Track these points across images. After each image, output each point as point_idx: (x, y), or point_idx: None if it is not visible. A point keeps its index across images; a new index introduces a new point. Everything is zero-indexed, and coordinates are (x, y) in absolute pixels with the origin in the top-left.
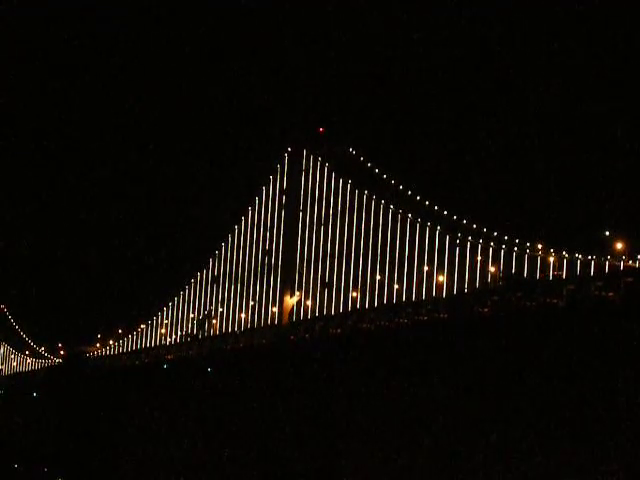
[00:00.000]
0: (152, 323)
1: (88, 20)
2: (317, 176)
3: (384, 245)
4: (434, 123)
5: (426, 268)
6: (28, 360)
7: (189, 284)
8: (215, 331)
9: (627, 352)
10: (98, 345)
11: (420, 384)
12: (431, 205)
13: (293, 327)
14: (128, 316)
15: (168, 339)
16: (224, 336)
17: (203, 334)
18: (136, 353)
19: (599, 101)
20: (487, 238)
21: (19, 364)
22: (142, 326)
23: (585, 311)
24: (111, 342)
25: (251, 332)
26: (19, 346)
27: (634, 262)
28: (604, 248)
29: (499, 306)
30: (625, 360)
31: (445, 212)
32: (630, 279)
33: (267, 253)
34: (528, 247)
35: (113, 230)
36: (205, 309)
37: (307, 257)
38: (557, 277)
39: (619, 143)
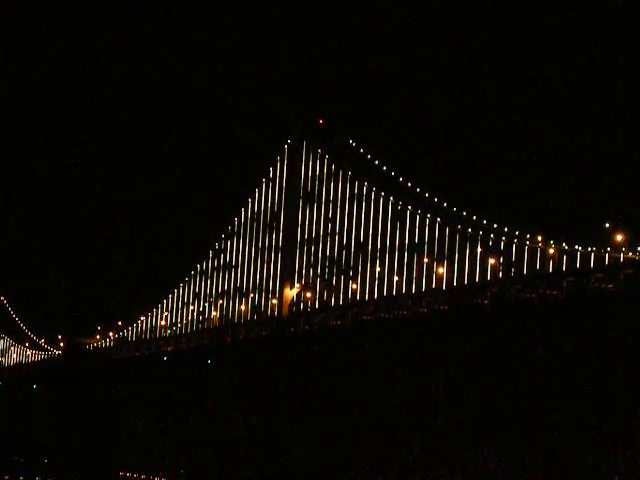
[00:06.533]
0: (152, 315)
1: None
2: (317, 168)
3: (384, 237)
4: (434, 115)
5: (426, 260)
6: (28, 352)
7: (188, 276)
8: (215, 323)
9: (627, 344)
10: (98, 337)
11: (420, 376)
12: (431, 197)
13: (293, 319)
14: (128, 308)
15: (168, 331)
16: (224, 328)
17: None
18: (136, 345)
19: (598, 94)
20: (487, 230)
21: (19, 356)
22: (142, 318)
23: (585, 303)
24: (111, 334)
25: (251, 324)
26: (18, 338)
27: (634, 254)
28: (604, 240)
29: (499, 298)
30: (625, 352)
31: (445, 204)
32: (630, 271)
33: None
34: (528, 239)
35: (112, 222)
36: (205, 301)
37: (307, 249)
38: None
39: (619, 135)
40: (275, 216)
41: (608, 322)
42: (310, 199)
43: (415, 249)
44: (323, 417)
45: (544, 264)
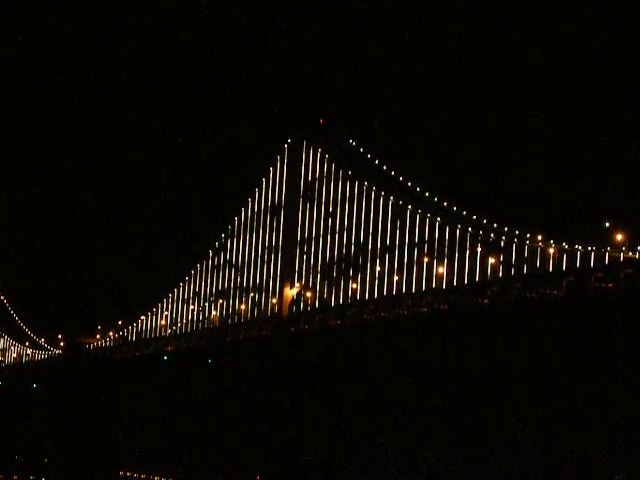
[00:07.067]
0: (152, 315)
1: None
2: (317, 167)
3: (384, 236)
4: (434, 115)
5: (426, 260)
6: (28, 351)
7: (189, 275)
8: (215, 323)
9: (627, 343)
10: (98, 336)
11: (421, 376)
12: (431, 196)
13: (293, 318)
14: (128, 307)
15: (168, 331)
16: (224, 327)
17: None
18: (136, 345)
19: (598, 93)
20: (487, 229)
21: (19, 355)
22: (142, 318)
23: (585, 302)
24: (111, 333)
25: (251, 323)
26: (19, 337)
27: (634, 253)
28: (604, 239)
29: (498, 297)
30: (625, 351)
31: (445, 203)
32: (630, 270)
33: (268, 248)
34: (528, 238)
35: (113, 221)
36: (205, 300)
37: (307, 248)
38: None
39: (619, 133)
40: (275, 216)
41: (608, 321)
42: (310, 199)
43: (415, 249)
44: (323, 417)
45: (544, 264)
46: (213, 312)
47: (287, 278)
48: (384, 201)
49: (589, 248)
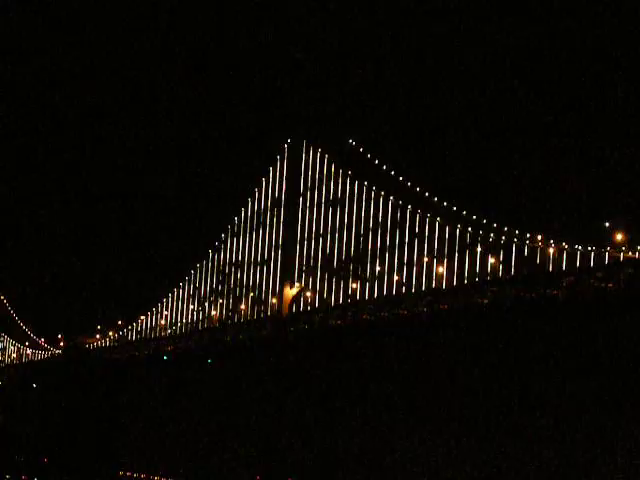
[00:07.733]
0: (152, 314)
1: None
2: (317, 168)
3: (384, 236)
4: (435, 115)
5: (426, 259)
6: (28, 351)
7: (189, 275)
8: (215, 323)
9: (627, 343)
10: (98, 336)
11: (420, 375)
12: (431, 196)
13: (293, 318)
14: (128, 307)
15: (168, 330)
16: (224, 327)
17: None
18: (136, 344)
19: (598, 93)
20: (487, 229)
21: (18, 355)
22: (142, 317)
23: (585, 303)
24: (111, 333)
25: (251, 323)
26: (19, 337)
27: (634, 253)
28: (604, 239)
29: (498, 297)
30: (625, 352)
31: (445, 203)
32: (630, 270)
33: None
34: (528, 238)
35: (113, 221)
36: (205, 300)
37: (307, 248)
38: None
39: (618, 134)
40: (275, 216)
41: (608, 321)
42: (310, 199)
43: (415, 249)
44: (323, 417)
45: (544, 264)
46: (213, 312)
47: (287, 278)
48: (384, 201)
49: (589, 248)
